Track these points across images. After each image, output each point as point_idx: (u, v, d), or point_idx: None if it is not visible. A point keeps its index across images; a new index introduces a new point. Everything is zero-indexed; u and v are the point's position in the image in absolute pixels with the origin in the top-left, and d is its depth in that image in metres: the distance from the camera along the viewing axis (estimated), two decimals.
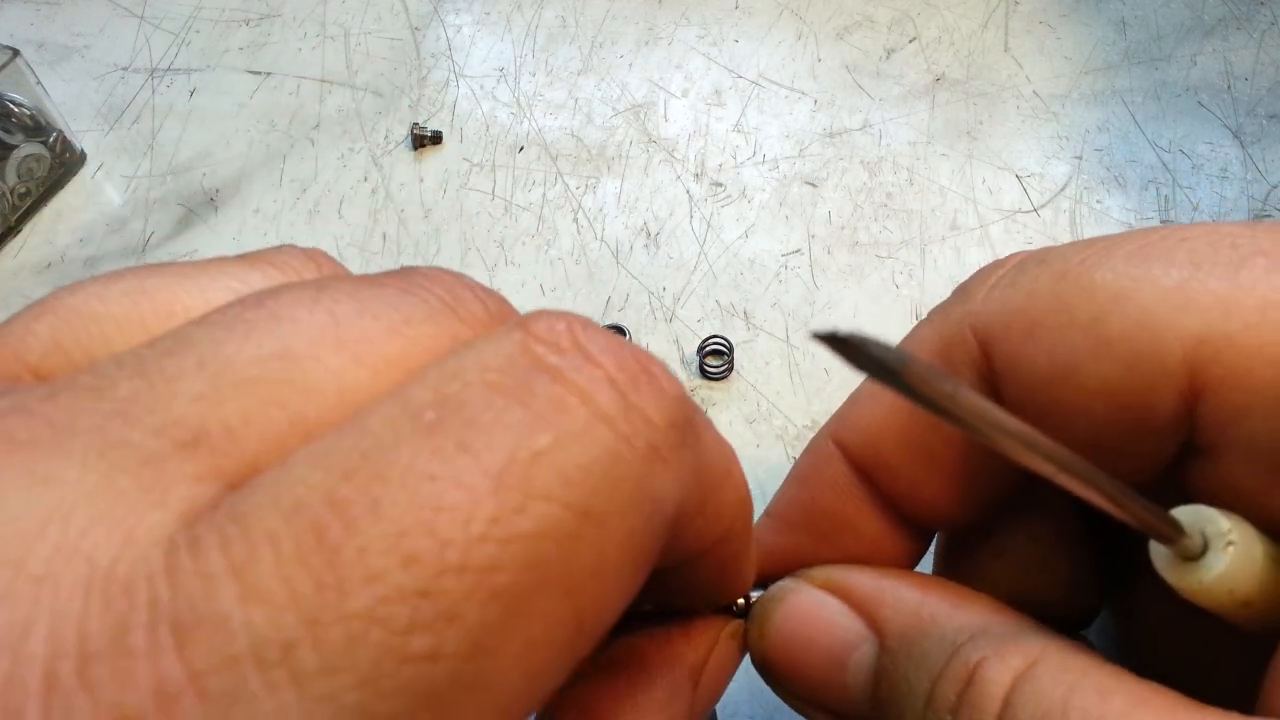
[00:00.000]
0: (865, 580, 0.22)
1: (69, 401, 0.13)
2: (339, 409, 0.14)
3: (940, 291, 0.43)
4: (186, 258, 0.47)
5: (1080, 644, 0.18)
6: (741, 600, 0.24)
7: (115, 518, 0.11)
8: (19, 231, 0.48)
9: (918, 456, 0.22)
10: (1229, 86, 0.50)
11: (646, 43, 0.54)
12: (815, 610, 0.22)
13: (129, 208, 0.49)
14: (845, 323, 0.42)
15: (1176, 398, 0.18)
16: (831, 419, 0.24)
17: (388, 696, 0.11)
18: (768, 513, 0.25)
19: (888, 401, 0.22)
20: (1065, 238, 0.44)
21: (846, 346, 0.14)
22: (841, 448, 0.23)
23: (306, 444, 0.13)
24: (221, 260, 0.17)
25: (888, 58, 0.53)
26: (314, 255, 0.18)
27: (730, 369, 0.40)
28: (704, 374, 0.40)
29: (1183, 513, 0.17)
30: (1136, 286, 0.18)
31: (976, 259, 0.44)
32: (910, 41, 0.53)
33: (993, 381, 0.21)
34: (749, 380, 0.40)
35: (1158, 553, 0.17)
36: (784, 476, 0.38)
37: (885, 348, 0.14)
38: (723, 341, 0.41)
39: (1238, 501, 0.18)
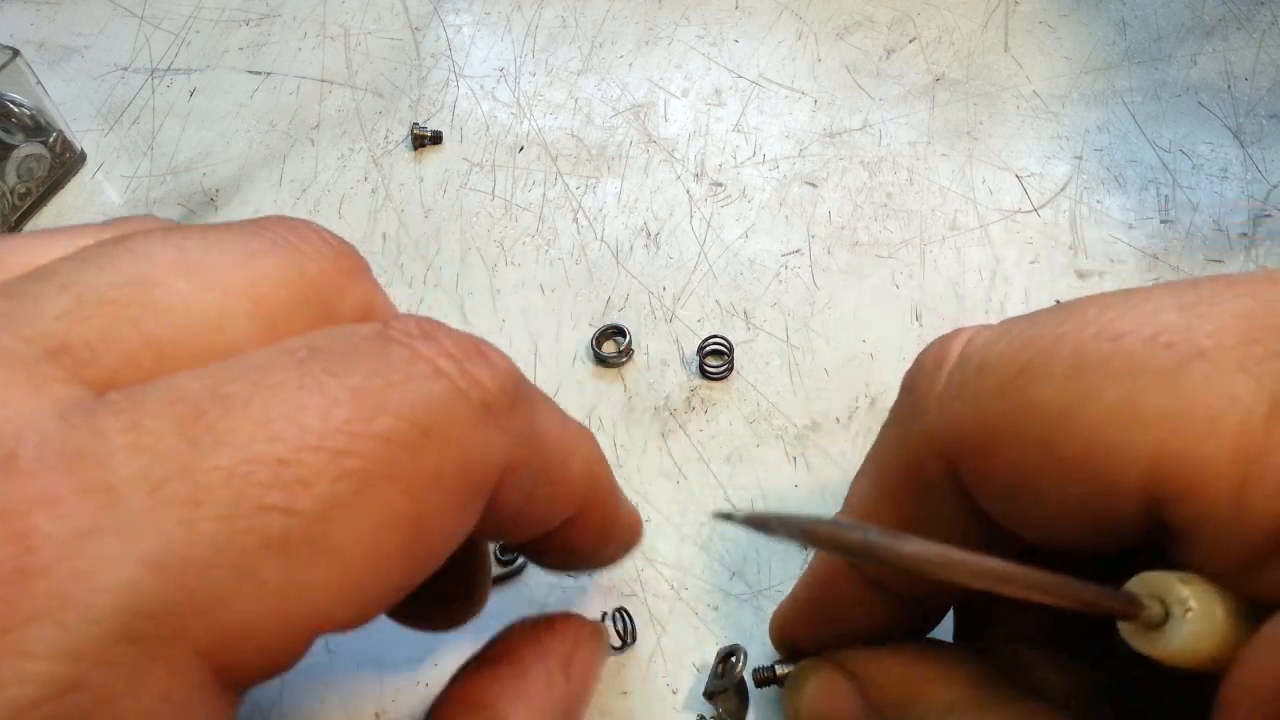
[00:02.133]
0: (860, 661, 0.25)
1: None
2: (189, 329, 0.16)
3: (940, 291, 0.43)
4: None
5: (1058, 716, 0.20)
6: (614, 611, 0.32)
7: None
8: (19, 231, 0.48)
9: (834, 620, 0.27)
10: (1229, 86, 0.50)
11: (646, 43, 0.54)
12: (829, 688, 0.26)
13: (129, 208, 0.49)
14: (846, 323, 0.42)
15: (1138, 506, 0.18)
16: (925, 425, 0.22)
17: (241, 533, 0.13)
18: (848, 507, 0.28)
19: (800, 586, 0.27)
20: (1065, 238, 0.44)
21: (755, 524, 0.17)
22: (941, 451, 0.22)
23: (161, 362, 0.15)
24: (84, 225, 0.19)
25: (888, 58, 0.53)
26: (166, 222, 0.21)
27: (730, 369, 0.40)
28: (704, 374, 0.40)
29: (1141, 582, 0.18)
30: (1081, 405, 0.18)
31: (976, 259, 0.44)
32: (910, 41, 0.53)
33: (968, 493, 0.21)
34: (749, 380, 0.40)
35: (1123, 625, 0.18)
36: (783, 476, 0.38)
37: (787, 521, 0.16)
38: (723, 341, 0.41)
39: (1214, 575, 0.18)
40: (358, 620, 0.16)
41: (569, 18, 0.56)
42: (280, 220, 0.19)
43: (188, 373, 0.15)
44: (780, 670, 0.29)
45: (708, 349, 0.41)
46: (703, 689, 0.32)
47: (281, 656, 0.15)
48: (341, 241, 0.20)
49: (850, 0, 0.55)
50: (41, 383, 0.14)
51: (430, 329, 0.17)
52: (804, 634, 0.29)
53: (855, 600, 0.26)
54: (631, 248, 0.45)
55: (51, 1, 0.60)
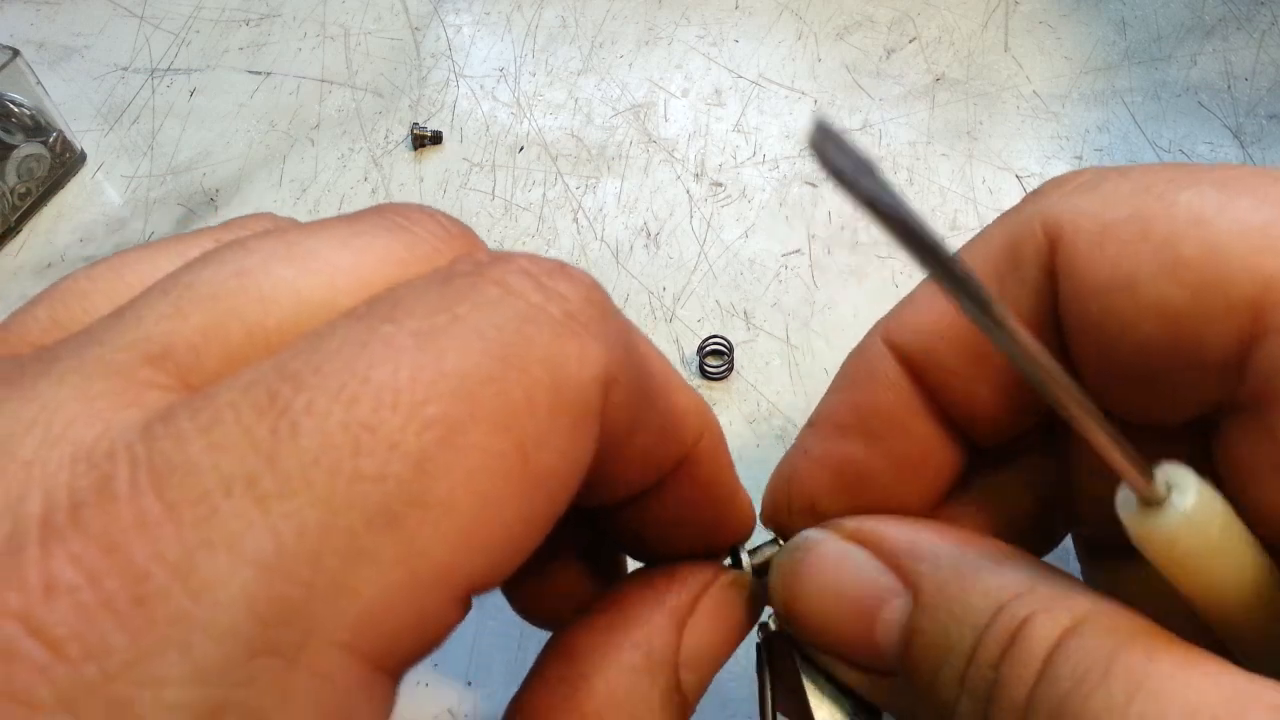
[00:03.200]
0: (899, 533, 0.21)
1: (57, 345, 0.15)
2: (296, 315, 0.15)
3: None
4: None
5: (1129, 608, 0.17)
6: (745, 555, 0.24)
7: (92, 414, 0.13)
8: (19, 231, 0.48)
9: (973, 358, 0.21)
10: (1229, 86, 0.50)
11: (646, 43, 0.54)
12: (843, 562, 0.21)
13: (129, 208, 0.49)
14: (846, 323, 0.42)
15: (1233, 336, 0.18)
16: (881, 321, 0.23)
17: (342, 511, 0.13)
18: (810, 423, 0.24)
19: (945, 302, 0.20)
20: None
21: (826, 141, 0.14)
22: (893, 348, 0.23)
23: (270, 352, 0.14)
24: (201, 230, 0.19)
25: (888, 58, 0.53)
26: (284, 219, 0.21)
27: (730, 369, 0.40)
28: (704, 374, 0.40)
29: (1162, 469, 0.17)
30: (1219, 215, 0.18)
31: None
32: (910, 41, 0.53)
33: (1053, 281, 0.20)
34: (749, 380, 0.40)
35: (1124, 495, 0.17)
36: None
37: (901, 210, 0.14)
38: (723, 341, 0.41)
39: (1266, 473, 0.18)
40: (500, 569, 0.15)
41: (569, 18, 0.56)
42: (391, 205, 0.19)
43: (260, 360, 0.14)
44: (750, 552, 0.24)
45: (708, 349, 0.41)
46: None
47: (429, 627, 0.14)
48: (456, 221, 0.19)
49: (850, 0, 0.55)
50: (141, 391, 0.14)
51: (503, 254, 0.16)
52: (829, 502, 0.23)
53: (919, 452, 0.22)
54: (631, 248, 0.45)
55: (51, 1, 0.60)
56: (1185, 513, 0.16)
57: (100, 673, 0.11)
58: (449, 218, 0.19)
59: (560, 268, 0.16)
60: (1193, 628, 0.17)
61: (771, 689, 0.24)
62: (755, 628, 0.24)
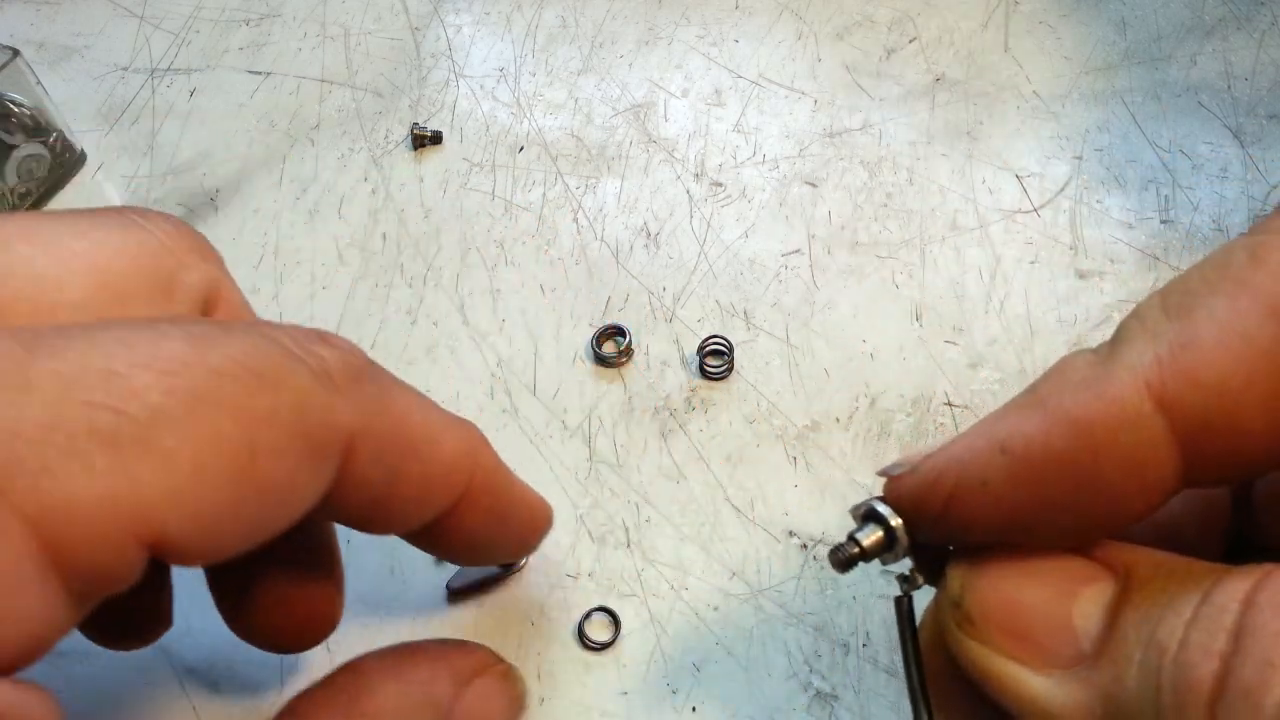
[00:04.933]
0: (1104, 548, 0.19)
1: None
2: (30, 289, 0.18)
3: (940, 291, 0.43)
4: None
5: None
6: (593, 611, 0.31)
7: None
8: None
9: (1277, 415, 0.17)
10: (1229, 86, 0.50)
11: (646, 43, 0.54)
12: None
13: None
14: (846, 323, 0.42)
15: None
16: (1141, 362, 0.18)
17: (69, 419, 0.15)
18: (1004, 449, 0.19)
19: (1256, 345, 0.17)
20: (1065, 238, 0.44)
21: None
22: (1168, 406, 0.18)
23: (2, 318, 0.18)
24: None
25: (888, 58, 0.53)
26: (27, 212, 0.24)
27: (730, 369, 0.40)
28: (704, 374, 0.40)
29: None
30: None
31: (976, 259, 0.44)
32: (910, 41, 0.53)
33: None
34: (749, 380, 0.40)
35: None
36: (783, 476, 0.38)
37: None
38: (723, 341, 0.41)
39: None
40: (191, 538, 0.17)
41: (569, 18, 0.56)
42: (132, 206, 0.21)
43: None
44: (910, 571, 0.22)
45: (708, 349, 0.41)
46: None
47: (112, 555, 0.16)
48: (189, 227, 0.23)
49: (850, 0, 0.55)
50: None
51: (271, 323, 0.19)
52: (991, 515, 0.20)
53: (1141, 490, 0.18)
54: (631, 248, 0.45)
55: (51, 1, 0.60)
56: None
57: None
58: (184, 224, 0.22)
59: (320, 335, 0.19)
60: None
61: (916, 653, 0.22)
62: (899, 583, 0.23)
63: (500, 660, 0.28)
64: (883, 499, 0.22)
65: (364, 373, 0.20)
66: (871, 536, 0.22)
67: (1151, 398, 0.18)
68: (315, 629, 0.28)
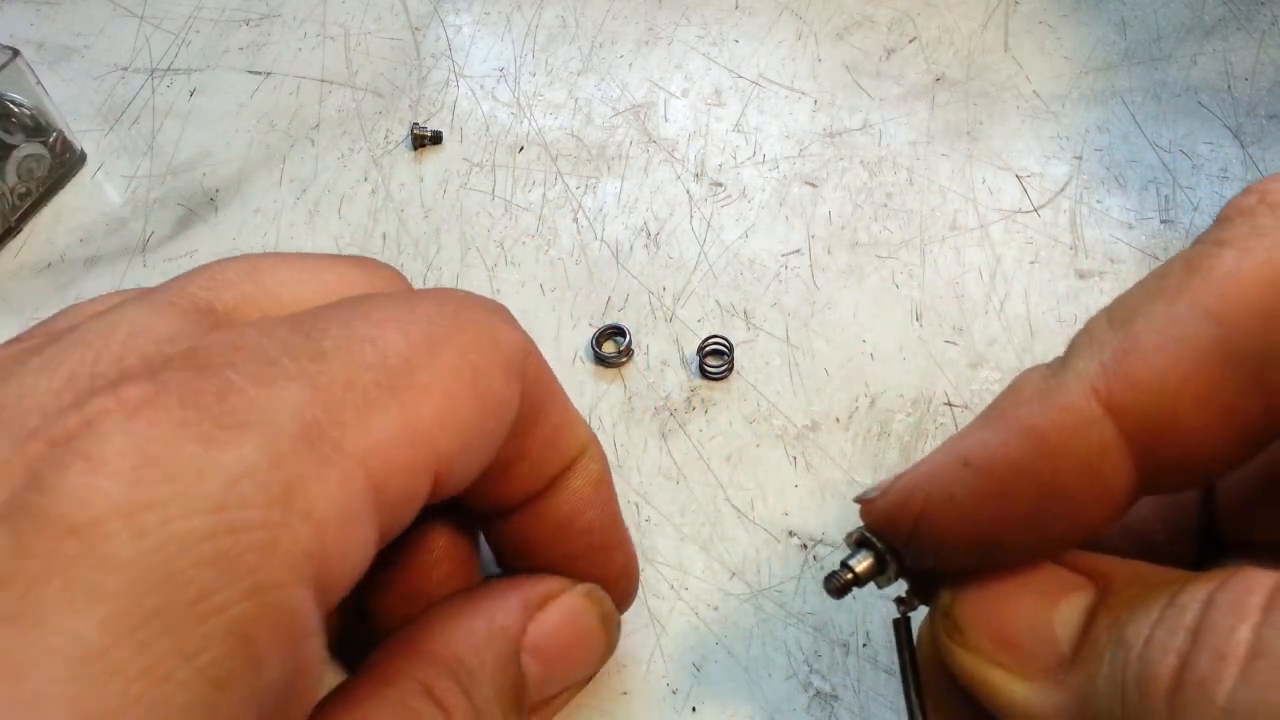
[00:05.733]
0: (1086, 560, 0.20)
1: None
2: (288, 301, 0.22)
3: (940, 291, 0.43)
4: (186, 258, 0.47)
5: None
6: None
7: (159, 321, 0.21)
8: (19, 231, 0.48)
9: (1220, 414, 0.18)
10: (1229, 86, 0.50)
11: (646, 43, 0.54)
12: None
13: (129, 208, 0.49)
14: (846, 323, 0.42)
15: None
16: (1088, 370, 0.19)
17: (360, 377, 0.19)
18: (966, 462, 0.20)
19: (1191, 346, 0.18)
20: (1065, 238, 0.44)
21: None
22: (1115, 410, 0.19)
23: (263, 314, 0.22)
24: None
25: (888, 58, 0.53)
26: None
27: (730, 369, 0.40)
28: (704, 374, 0.40)
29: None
30: None
31: (976, 259, 0.44)
32: (910, 41, 0.53)
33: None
34: (749, 380, 0.40)
35: None
36: (783, 476, 0.38)
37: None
38: (723, 341, 0.41)
39: None
40: (456, 457, 0.20)
41: (569, 18, 0.56)
42: (364, 256, 0.27)
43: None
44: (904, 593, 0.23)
45: (708, 349, 0.41)
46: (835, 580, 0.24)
47: (414, 484, 0.19)
48: (402, 275, 0.26)
49: (850, 0, 0.55)
50: (184, 313, 0.20)
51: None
52: (961, 529, 0.20)
53: (1097, 494, 0.19)
54: (631, 248, 0.45)
55: (51, 1, 0.60)
56: None
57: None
58: (399, 274, 0.26)
59: (471, 294, 0.23)
60: None
61: (913, 667, 0.23)
62: (897, 607, 0.23)
63: (577, 583, 0.27)
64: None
65: (514, 319, 0.23)
66: (864, 562, 0.23)
67: (1099, 402, 0.19)
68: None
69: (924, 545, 0.21)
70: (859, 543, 0.23)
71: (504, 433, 0.22)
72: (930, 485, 0.21)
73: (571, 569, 0.27)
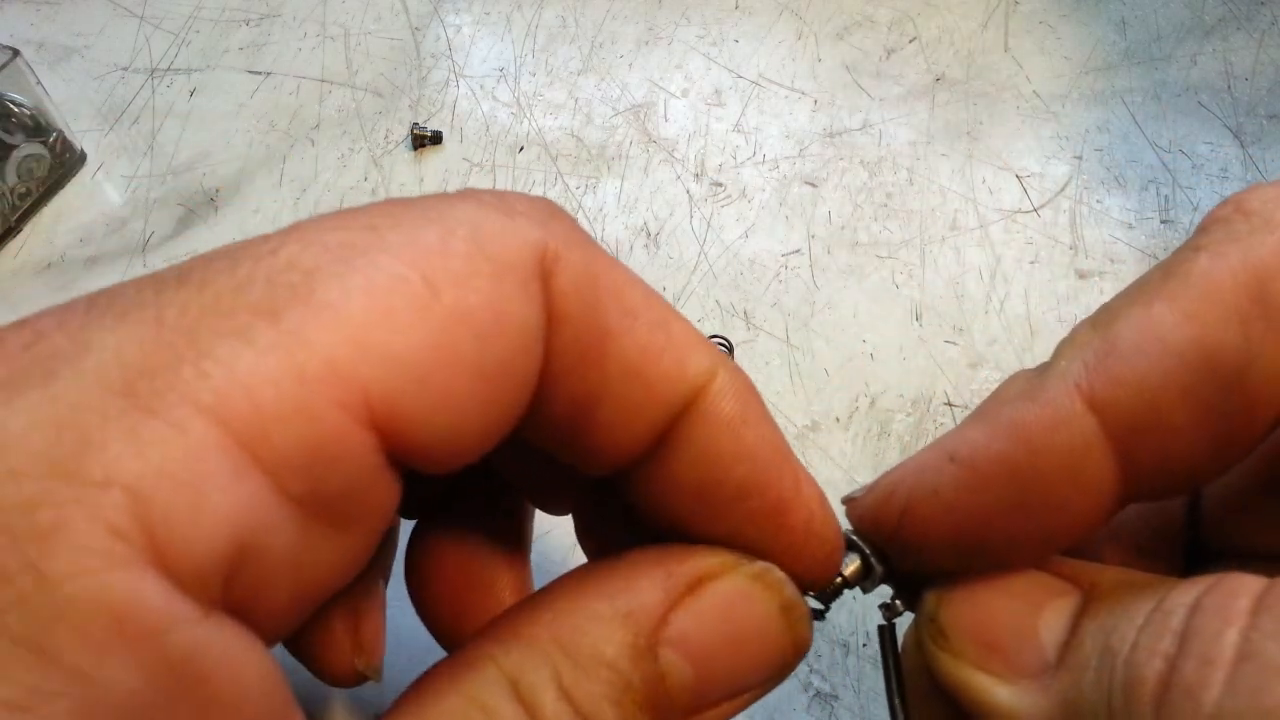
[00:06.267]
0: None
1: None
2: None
3: (940, 291, 0.43)
4: (186, 258, 0.47)
5: None
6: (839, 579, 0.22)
7: None
8: (19, 231, 0.48)
9: (1200, 414, 0.18)
10: (1229, 86, 0.50)
11: (646, 43, 0.54)
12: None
13: (129, 208, 0.49)
14: (846, 323, 0.42)
15: None
16: (1070, 369, 0.19)
17: (225, 301, 0.15)
18: (951, 457, 0.20)
19: (1169, 345, 0.18)
20: (1065, 238, 0.44)
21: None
22: (1097, 407, 0.19)
23: None
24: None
25: (888, 58, 0.53)
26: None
27: None
28: None
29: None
30: None
31: (976, 259, 0.44)
32: (910, 41, 0.53)
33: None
34: None
35: None
36: None
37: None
38: (723, 341, 0.41)
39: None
40: (407, 395, 0.16)
41: (569, 18, 0.56)
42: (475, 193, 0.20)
43: None
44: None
45: None
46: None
47: (313, 431, 0.15)
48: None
49: (850, 0, 0.55)
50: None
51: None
52: (944, 524, 0.20)
53: (1081, 491, 0.19)
54: (631, 248, 0.45)
55: (51, 1, 0.60)
56: None
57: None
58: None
59: (523, 194, 0.18)
60: None
61: (897, 673, 0.23)
62: (881, 613, 0.23)
63: (744, 557, 0.20)
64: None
65: (556, 213, 0.18)
66: (851, 566, 0.22)
67: (1082, 399, 0.19)
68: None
69: (908, 542, 0.21)
70: (846, 546, 0.23)
71: (526, 367, 0.17)
72: (915, 480, 0.20)
73: (738, 540, 0.20)
